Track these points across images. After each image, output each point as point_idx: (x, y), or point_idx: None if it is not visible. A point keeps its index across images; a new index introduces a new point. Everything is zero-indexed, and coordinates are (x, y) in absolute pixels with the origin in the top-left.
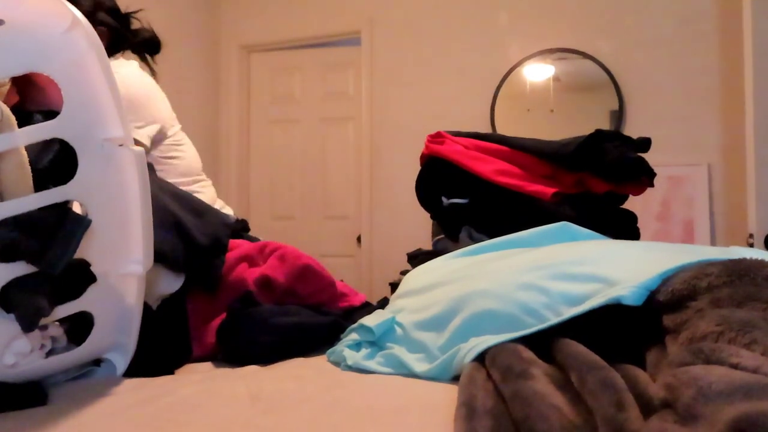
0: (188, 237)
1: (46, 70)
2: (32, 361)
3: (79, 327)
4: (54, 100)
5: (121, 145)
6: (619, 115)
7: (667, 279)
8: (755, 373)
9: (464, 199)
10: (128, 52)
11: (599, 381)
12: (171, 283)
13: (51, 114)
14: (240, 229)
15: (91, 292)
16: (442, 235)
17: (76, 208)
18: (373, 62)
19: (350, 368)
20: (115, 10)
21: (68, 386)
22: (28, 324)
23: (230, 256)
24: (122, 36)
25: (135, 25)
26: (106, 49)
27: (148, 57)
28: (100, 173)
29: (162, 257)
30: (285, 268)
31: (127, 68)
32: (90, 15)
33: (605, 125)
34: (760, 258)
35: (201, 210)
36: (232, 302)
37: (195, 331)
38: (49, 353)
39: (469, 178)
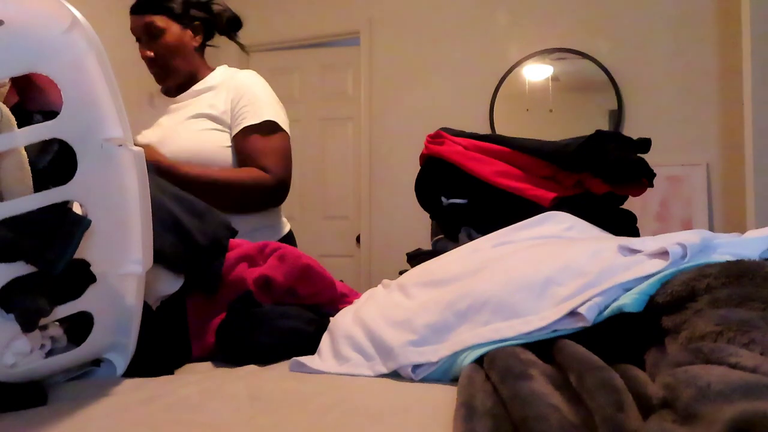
0: (188, 238)
1: (46, 71)
2: (32, 361)
3: (79, 327)
4: (54, 100)
5: (120, 146)
6: (618, 115)
7: (666, 282)
8: (754, 373)
9: (464, 199)
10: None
11: (598, 381)
12: (171, 284)
13: (51, 114)
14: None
15: (91, 292)
16: (442, 235)
17: (76, 208)
18: (372, 62)
19: None
20: (200, 3)
21: (68, 386)
22: (28, 324)
23: (230, 255)
24: (212, 23)
25: (215, 9)
26: (202, 39)
27: (236, 36)
28: (99, 173)
29: (162, 258)
30: (285, 268)
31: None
32: (184, 14)
33: (604, 125)
34: (758, 259)
35: (201, 211)
36: (233, 302)
37: (195, 331)
38: (49, 353)
39: (468, 178)
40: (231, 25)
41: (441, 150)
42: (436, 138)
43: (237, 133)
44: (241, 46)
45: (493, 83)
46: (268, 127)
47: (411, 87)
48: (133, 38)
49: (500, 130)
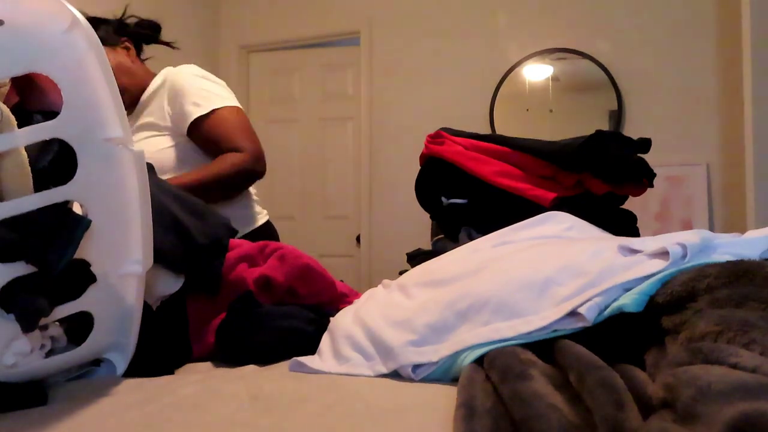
0: (188, 237)
1: (46, 71)
2: (32, 361)
3: (79, 327)
4: (54, 101)
5: (120, 146)
6: (618, 115)
7: (666, 282)
8: (754, 373)
9: (464, 199)
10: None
11: (598, 381)
12: (171, 284)
13: (51, 115)
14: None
15: (91, 292)
16: (442, 235)
17: (76, 208)
18: (372, 62)
19: None
20: (119, 23)
21: (68, 386)
22: (28, 324)
23: (230, 256)
24: (141, 36)
25: (130, 20)
26: (136, 52)
27: (161, 39)
28: (99, 173)
29: (162, 258)
30: (285, 268)
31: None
32: (109, 37)
33: (604, 125)
34: (758, 259)
35: (201, 211)
36: (233, 302)
37: (195, 331)
38: (49, 353)
39: (468, 178)
40: (152, 30)
41: (441, 150)
42: (436, 138)
43: (189, 128)
44: (170, 45)
45: (494, 83)
46: (218, 113)
47: (411, 87)
48: None
49: (500, 130)
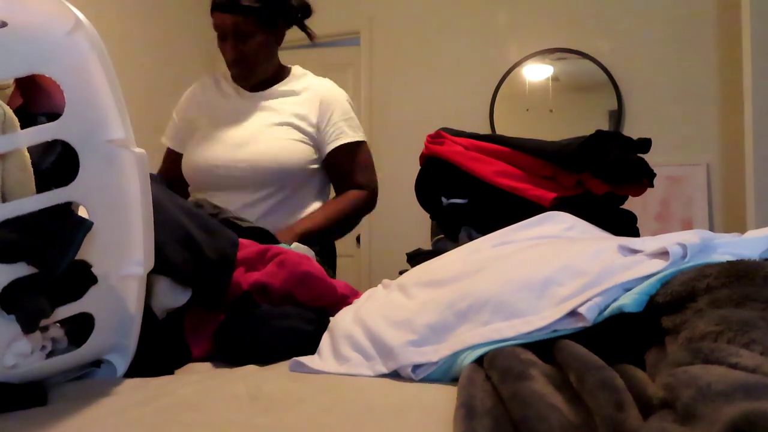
0: (199, 252)
1: (49, 72)
2: (33, 362)
3: (80, 328)
4: (59, 102)
5: (122, 147)
6: (618, 115)
7: (666, 282)
8: (754, 373)
9: (464, 199)
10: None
11: (598, 381)
12: (178, 297)
13: (56, 117)
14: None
15: (92, 293)
16: (442, 235)
17: (81, 212)
18: (372, 62)
19: None
20: (281, 3)
21: (68, 386)
22: (29, 325)
23: None
24: (291, 18)
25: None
26: (280, 28)
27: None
28: (101, 175)
29: (174, 271)
30: (283, 274)
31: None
32: (271, 19)
33: (604, 125)
34: (758, 259)
35: (211, 227)
36: (232, 301)
37: (194, 331)
38: (49, 354)
39: (468, 178)
40: (303, 12)
41: (441, 150)
42: (436, 138)
43: (333, 150)
44: (309, 35)
45: (494, 83)
46: (362, 146)
47: (411, 87)
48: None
49: (500, 130)
